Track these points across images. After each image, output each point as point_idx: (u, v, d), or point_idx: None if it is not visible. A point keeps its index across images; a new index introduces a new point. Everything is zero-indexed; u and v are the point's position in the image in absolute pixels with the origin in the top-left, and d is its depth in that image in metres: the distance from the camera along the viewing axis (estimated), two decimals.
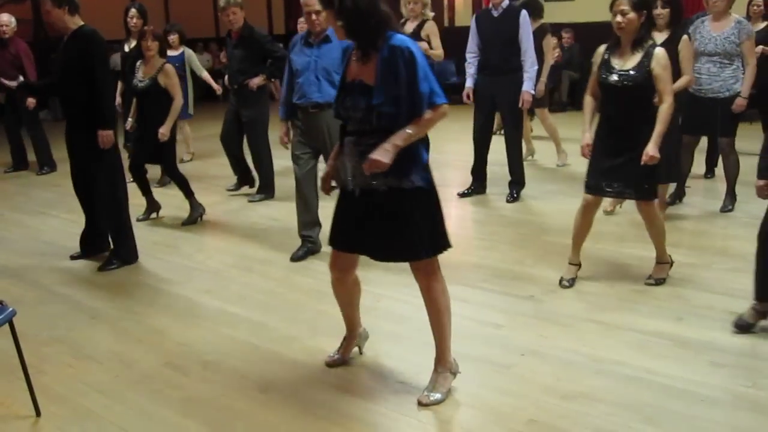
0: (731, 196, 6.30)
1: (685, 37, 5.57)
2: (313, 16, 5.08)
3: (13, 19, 8.86)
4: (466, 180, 7.32)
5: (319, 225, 5.52)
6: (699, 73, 6.02)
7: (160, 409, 3.46)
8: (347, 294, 3.70)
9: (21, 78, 5.26)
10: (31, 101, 8.78)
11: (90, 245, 5.73)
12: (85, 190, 5.57)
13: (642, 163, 4.33)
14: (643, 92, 4.37)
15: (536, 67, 6.78)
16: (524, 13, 6.72)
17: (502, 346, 3.95)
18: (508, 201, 6.95)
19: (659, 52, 4.34)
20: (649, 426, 3.13)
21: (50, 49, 14.84)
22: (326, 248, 4.65)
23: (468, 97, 7.01)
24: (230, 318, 4.50)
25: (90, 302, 4.84)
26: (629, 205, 6.42)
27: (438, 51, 7.08)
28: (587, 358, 3.77)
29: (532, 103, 7.25)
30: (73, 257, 5.72)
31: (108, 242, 5.64)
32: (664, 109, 4.34)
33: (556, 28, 11.76)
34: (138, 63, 6.62)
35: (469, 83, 7.00)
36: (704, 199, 6.77)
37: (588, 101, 4.68)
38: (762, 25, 7.24)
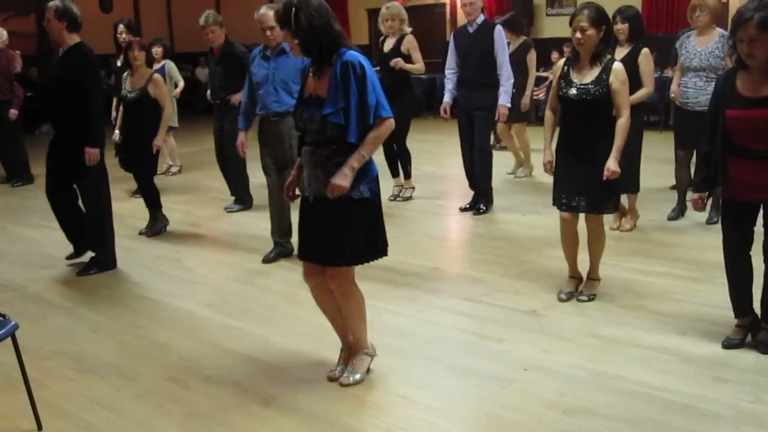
0: (717, 209, 6.33)
1: (645, 50, 5.80)
2: (268, 32, 5.48)
3: (4, 32, 8.95)
4: (467, 193, 7.33)
5: (291, 233, 5.79)
6: (686, 87, 6.16)
7: (161, 423, 3.46)
8: (328, 301, 3.79)
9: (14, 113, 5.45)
10: (13, 112, 8.97)
11: (79, 243, 5.88)
12: (61, 199, 5.71)
13: (604, 178, 4.40)
14: (601, 106, 4.44)
15: (512, 81, 6.84)
16: (499, 28, 6.85)
17: (504, 360, 3.95)
18: (474, 214, 7.05)
19: (617, 66, 4.43)
20: None
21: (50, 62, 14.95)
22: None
23: (445, 111, 7.14)
24: (232, 332, 4.50)
25: (92, 316, 4.84)
26: (639, 220, 6.44)
27: (419, 65, 7.32)
28: (589, 373, 3.76)
29: (513, 117, 7.32)
30: (69, 258, 5.88)
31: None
32: (622, 122, 4.42)
33: (558, 42, 11.86)
34: (125, 74, 6.72)
35: (446, 98, 7.16)
36: (700, 213, 6.73)
37: (548, 116, 4.76)
38: None
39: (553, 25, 13.56)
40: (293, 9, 3.38)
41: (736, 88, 3.75)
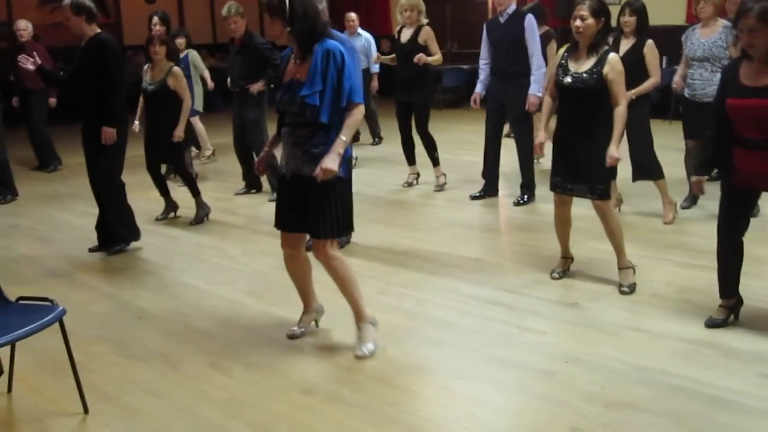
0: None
1: (650, 41, 5.92)
2: None
3: (30, 25, 9.20)
4: (506, 183, 7.31)
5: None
6: (692, 79, 6.23)
7: (204, 409, 3.51)
8: (299, 269, 4.15)
9: (39, 61, 5.52)
10: (52, 101, 9.35)
11: (105, 236, 5.98)
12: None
13: (607, 165, 4.53)
14: (595, 95, 4.51)
15: (543, 70, 6.79)
16: (530, 17, 6.81)
17: (545, 353, 3.92)
18: (515, 204, 7.05)
19: (613, 57, 4.52)
20: None
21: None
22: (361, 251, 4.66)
23: (475, 102, 7.17)
24: (273, 320, 4.53)
25: (137, 302, 4.92)
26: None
27: (437, 56, 7.43)
28: (631, 366, 3.72)
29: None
30: (91, 250, 6.01)
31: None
32: (620, 111, 4.51)
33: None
34: (146, 67, 6.84)
35: (478, 89, 7.16)
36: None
37: (547, 101, 4.91)
38: None
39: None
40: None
41: (738, 77, 3.83)
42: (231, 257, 5.81)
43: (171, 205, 7.03)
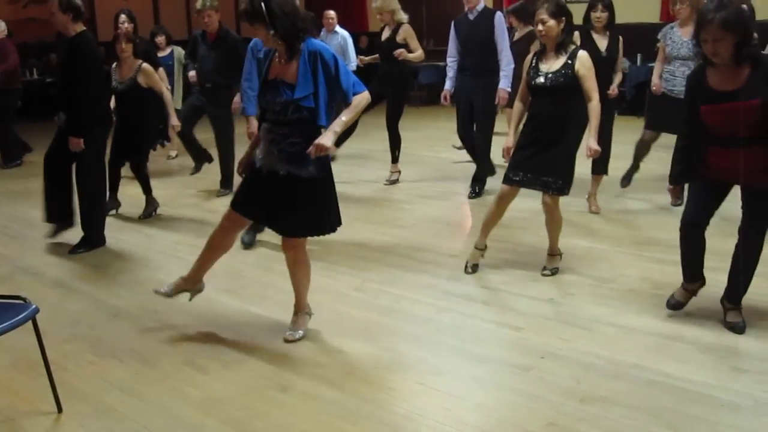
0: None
1: (619, 37, 6.22)
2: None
3: (3, 23, 9.15)
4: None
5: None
6: (673, 75, 6.37)
7: (180, 407, 3.49)
8: (220, 245, 4.23)
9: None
10: None
11: (60, 218, 6.07)
12: (59, 173, 5.90)
13: (588, 157, 4.82)
14: (567, 92, 4.67)
15: (512, 66, 6.83)
16: (499, 14, 6.92)
17: (521, 348, 3.95)
18: (469, 197, 7.17)
19: (582, 54, 4.69)
20: (668, 430, 3.12)
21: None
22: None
23: (445, 98, 7.24)
24: (250, 318, 4.52)
25: (111, 300, 4.88)
26: (652, 210, 6.41)
27: (417, 53, 7.56)
28: (607, 361, 3.75)
29: (512, 104, 7.35)
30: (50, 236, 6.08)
31: (72, 217, 6.05)
32: (594, 105, 4.68)
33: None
34: (113, 66, 6.76)
35: (447, 86, 7.24)
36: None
37: (517, 106, 5.02)
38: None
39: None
40: (262, 2, 3.65)
41: (708, 83, 3.88)
42: None
43: (152, 204, 6.97)
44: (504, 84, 6.80)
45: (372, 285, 4.95)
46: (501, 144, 5.09)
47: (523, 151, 4.80)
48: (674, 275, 4.81)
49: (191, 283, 4.34)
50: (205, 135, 8.34)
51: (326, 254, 5.69)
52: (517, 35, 8.00)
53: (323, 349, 4.04)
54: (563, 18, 4.64)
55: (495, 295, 4.70)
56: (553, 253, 5.08)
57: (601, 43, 6.12)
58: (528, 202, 6.94)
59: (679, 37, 6.27)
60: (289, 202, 3.86)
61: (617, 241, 5.53)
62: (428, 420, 3.30)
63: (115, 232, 6.56)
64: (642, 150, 6.81)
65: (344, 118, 3.79)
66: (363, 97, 3.84)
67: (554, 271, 5.01)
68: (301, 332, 4.15)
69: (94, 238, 5.93)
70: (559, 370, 3.69)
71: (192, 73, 8.18)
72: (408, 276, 5.09)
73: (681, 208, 6.31)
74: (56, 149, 5.84)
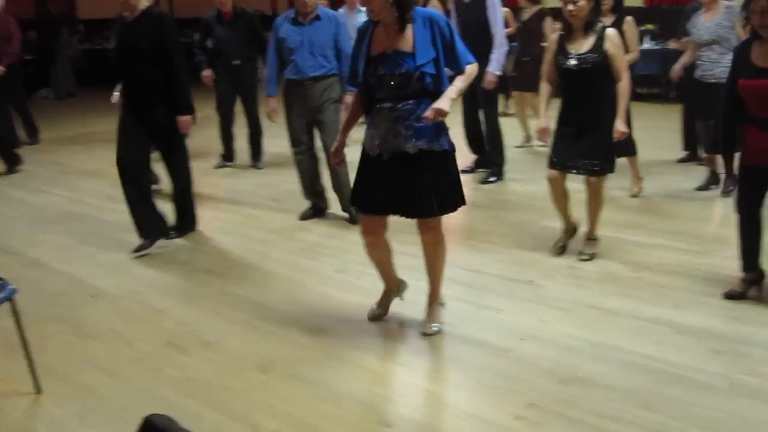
0: (734, 178, 6.34)
1: (629, 18, 6.07)
2: None
3: None
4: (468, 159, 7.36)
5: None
6: (701, 60, 6.26)
7: (159, 387, 3.48)
8: (383, 255, 3.98)
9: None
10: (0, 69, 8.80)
11: (153, 229, 5.44)
12: (141, 176, 5.38)
13: (614, 140, 4.62)
14: (601, 72, 4.57)
15: (504, 49, 6.75)
16: None
17: (501, 330, 3.96)
18: (481, 183, 7.07)
19: (611, 32, 4.58)
20: (646, 411, 3.15)
21: (49, 25, 14.83)
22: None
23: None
24: (231, 298, 4.51)
25: (91, 281, 4.85)
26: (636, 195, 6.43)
27: None
28: (586, 343, 3.78)
29: (526, 85, 7.29)
30: (138, 250, 5.33)
31: (165, 226, 5.53)
32: (623, 85, 4.59)
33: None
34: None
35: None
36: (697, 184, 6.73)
37: (545, 88, 4.90)
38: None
39: None
40: None
41: (750, 58, 3.88)
42: (189, 235, 5.75)
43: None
44: (492, 67, 6.67)
45: (353, 266, 4.95)
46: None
47: (568, 138, 4.70)
48: (654, 258, 4.88)
49: (390, 293, 4.16)
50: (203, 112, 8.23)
51: (307, 235, 5.69)
52: (526, 15, 7.88)
53: (304, 330, 4.04)
54: None
55: (475, 277, 4.71)
56: (593, 237, 4.99)
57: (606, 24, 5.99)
58: (510, 185, 6.99)
59: (702, 23, 6.20)
60: (424, 181, 3.60)
61: (600, 223, 5.54)
62: (409, 401, 3.32)
63: (95, 211, 6.53)
64: (704, 143, 6.52)
65: (460, 84, 3.58)
66: (475, 68, 3.67)
67: (592, 256, 4.90)
68: (438, 325, 3.94)
69: (191, 223, 5.76)
70: (538, 351, 3.71)
71: (207, 73, 7.75)
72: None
73: (665, 192, 6.44)
74: (133, 148, 5.23)
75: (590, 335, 3.85)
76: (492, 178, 7.10)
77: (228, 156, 8.21)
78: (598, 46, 4.53)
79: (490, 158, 7.18)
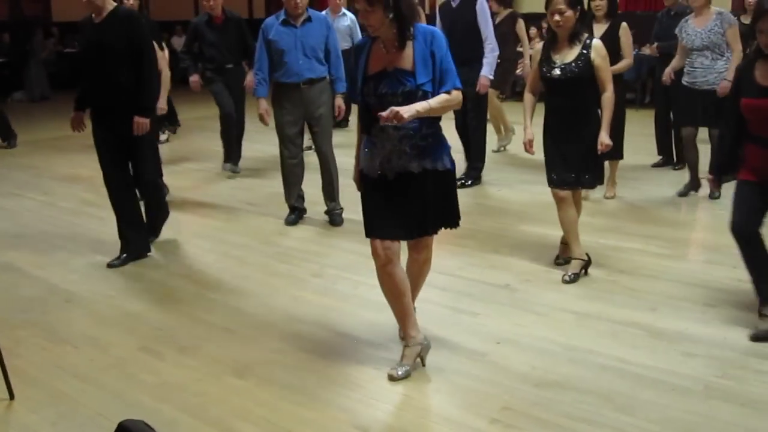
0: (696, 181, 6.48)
1: (624, 24, 6.07)
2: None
3: None
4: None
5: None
6: (693, 67, 6.26)
7: (135, 393, 3.45)
8: (401, 284, 3.60)
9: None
10: None
11: (134, 249, 5.30)
12: (128, 187, 5.27)
13: (599, 152, 4.55)
14: (586, 82, 4.55)
15: (496, 53, 6.80)
16: (481, 0, 6.80)
17: (477, 334, 3.97)
18: (462, 186, 6.95)
19: (597, 43, 4.56)
20: (621, 414, 3.17)
21: (23, 28, 14.68)
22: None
23: None
24: (206, 303, 4.49)
25: (65, 285, 4.81)
26: (616, 199, 6.48)
27: None
28: (561, 346, 3.80)
29: (492, 86, 7.36)
30: (112, 264, 5.16)
31: (146, 246, 5.39)
32: (608, 96, 4.55)
33: (537, 18, 11.81)
34: None
35: None
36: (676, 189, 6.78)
37: (528, 98, 4.87)
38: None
39: (531, 1, 13.52)
40: None
41: (755, 77, 3.84)
42: (164, 239, 5.71)
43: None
44: (485, 71, 6.70)
45: (330, 270, 4.94)
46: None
47: (557, 150, 4.66)
48: (628, 262, 4.91)
49: (414, 346, 3.64)
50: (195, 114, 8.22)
51: (284, 239, 5.68)
52: (498, 18, 7.92)
53: (280, 334, 4.03)
54: (579, 7, 4.49)
55: (452, 281, 4.72)
56: (578, 256, 4.77)
57: (598, 31, 5.93)
58: (487, 189, 7.02)
59: (693, 29, 6.20)
60: (424, 199, 3.52)
61: None
62: (385, 405, 3.32)
63: (69, 215, 6.48)
64: (689, 151, 6.50)
65: (435, 104, 3.35)
66: (458, 96, 3.46)
67: (574, 278, 4.69)
68: (406, 368, 3.59)
69: (162, 218, 5.64)
70: (514, 355, 3.72)
71: (194, 78, 7.71)
72: (366, 262, 5.02)
73: (641, 197, 6.49)
74: (113, 157, 5.12)
75: (566, 339, 3.88)
76: (468, 181, 7.11)
77: (234, 157, 7.98)
78: (584, 55, 4.51)
79: (471, 162, 7.20)
